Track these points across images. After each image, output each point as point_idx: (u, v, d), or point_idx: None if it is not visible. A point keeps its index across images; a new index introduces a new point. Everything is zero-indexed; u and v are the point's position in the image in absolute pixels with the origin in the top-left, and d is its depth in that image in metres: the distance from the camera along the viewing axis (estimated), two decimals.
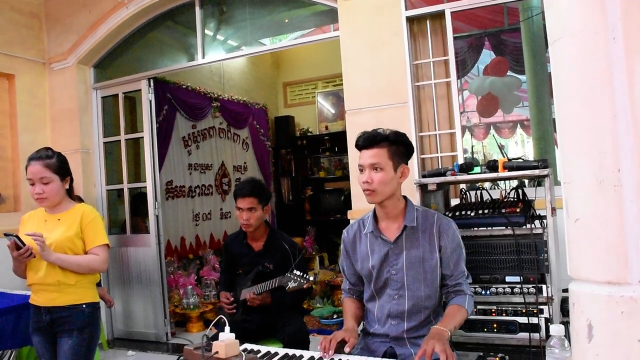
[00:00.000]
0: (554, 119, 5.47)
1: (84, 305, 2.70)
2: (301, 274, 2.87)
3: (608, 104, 1.23)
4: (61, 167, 2.72)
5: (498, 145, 3.71)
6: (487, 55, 6.79)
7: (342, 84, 7.84)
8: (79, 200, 4.51)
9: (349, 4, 4.07)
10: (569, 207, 1.34)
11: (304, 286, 2.88)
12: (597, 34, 1.24)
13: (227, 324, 2.00)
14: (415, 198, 2.72)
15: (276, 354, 2.06)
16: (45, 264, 2.62)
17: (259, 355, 2.03)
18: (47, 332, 2.70)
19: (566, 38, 1.31)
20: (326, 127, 8.43)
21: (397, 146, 2.19)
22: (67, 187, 2.76)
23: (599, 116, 1.25)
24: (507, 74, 6.43)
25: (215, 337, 2.11)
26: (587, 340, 1.24)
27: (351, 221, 3.76)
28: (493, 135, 9.70)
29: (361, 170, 2.20)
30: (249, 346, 2.17)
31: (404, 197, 2.28)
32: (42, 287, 2.67)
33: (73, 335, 2.66)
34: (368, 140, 2.18)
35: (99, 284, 4.61)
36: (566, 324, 2.31)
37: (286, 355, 2.05)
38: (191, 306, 5.37)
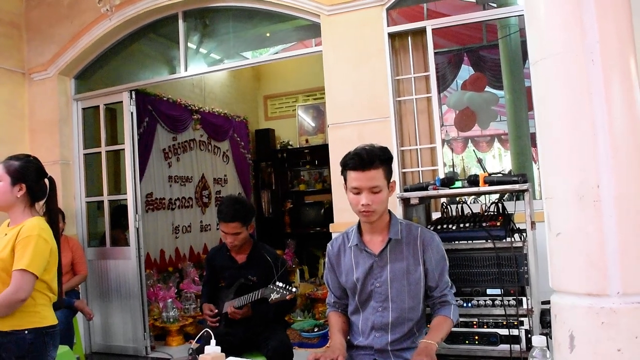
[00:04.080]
0: (531, 134, 5.58)
1: (26, 332, 2.39)
2: (284, 286, 2.88)
3: (588, 123, 1.29)
4: (18, 170, 2.49)
5: (477, 160, 3.79)
6: (465, 71, 6.91)
7: (322, 98, 7.94)
8: (60, 214, 4.47)
9: (332, 20, 4.13)
10: (551, 222, 1.39)
11: (287, 297, 2.88)
12: (577, 56, 1.30)
13: (212, 337, 2.00)
14: (397, 212, 2.77)
15: None
16: None
17: None
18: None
19: (547, 59, 1.36)
20: (306, 141, 8.47)
21: (388, 163, 2.21)
22: (18, 195, 2.48)
23: (579, 134, 1.30)
24: (485, 89, 6.55)
25: (200, 350, 2.11)
26: (569, 350, 1.29)
27: (333, 234, 3.80)
28: (474, 151, 9.84)
29: (357, 192, 2.16)
30: (233, 359, 2.17)
31: (388, 210, 2.32)
32: None
33: None
34: (364, 163, 2.12)
35: (77, 297, 4.61)
36: (546, 335, 2.36)
37: None
38: (171, 320, 5.32)
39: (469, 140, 10.60)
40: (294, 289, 2.90)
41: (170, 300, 5.40)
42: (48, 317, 2.50)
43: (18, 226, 2.48)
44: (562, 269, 1.36)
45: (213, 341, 1.97)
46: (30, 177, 2.54)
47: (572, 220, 1.31)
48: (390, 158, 2.23)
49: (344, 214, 3.80)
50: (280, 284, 2.88)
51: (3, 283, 2.42)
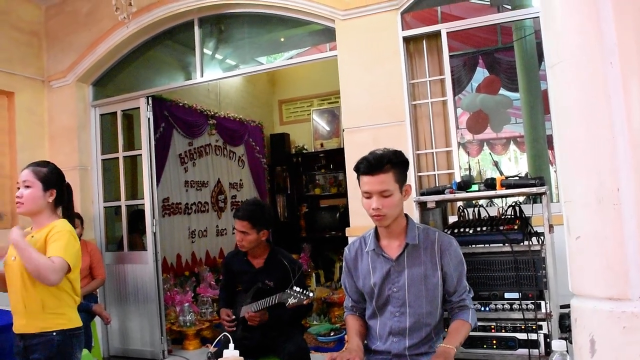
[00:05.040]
0: (548, 136, 5.54)
1: (54, 333, 2.48)
2: (301, 290, 2.89)
3: (606, 126, 1.27)
4: (48, 176, 2.59)
5: (494, 162, 3.77)
6: (480, 73, 6.87)
7: (337, 102, 7.96)
8: (78, 218, 4.53)
9: (346, 24, 4.14)
10: (570, 225, 1.38)
11: (304, 302, 2.90)
12: (595, 59, 1.29)
13: (231, 340, 2.01)
14: (414, 215, 2.76)
15: None
16: (17, 285, 2.49)
17: None
18: (25, 358, 2.52)
19: (564, 62, 1.35)
20: (321, 145, 8.48)
21: (400, 167, 2.20)
22: (50, 200, 2.58)
23: (597, 137, 1.29)
24: (499, 92, 6.51)
25: (218, 354, 2.12)
26: (589, 355, 1.28)
27: (349, 239, 3.81)
28: (490, 154, 9.77)
29: (368, 197, 2.17)
30: None
31: (405, 215, 2.31)
32: (14, 309, 2.53)
33: None
34: (373, 167, 2.14)
35: (95, 301, 4.65)
36: (565, 339, 2.34)
37: None
38: (188, 324, 5.35)
39: (485, 143, 10.54)
40: (310, 294, 2.90)
41: (187, 304, 5.43)
42: (74, 319, 2.59)
43: (46, 227, 2.55)
44: (582, 273, 1.34)
45: (232, 345, 1.98)
46: (59, 182, 2.66)
47: (591, 223, 1.30)
48: (403, 162, 2.22)
49: (360, 218, 3.79)
50: (298, 289, 2.89)
51: (33, 284, 2.48)
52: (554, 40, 1.41)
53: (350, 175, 4.02)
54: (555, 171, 6.33)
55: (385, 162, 2.14)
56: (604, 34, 1.27)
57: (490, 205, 3.93)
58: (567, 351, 1.58)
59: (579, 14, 1.32)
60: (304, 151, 8.58)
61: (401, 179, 2.19)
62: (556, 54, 1.38)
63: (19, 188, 2.58)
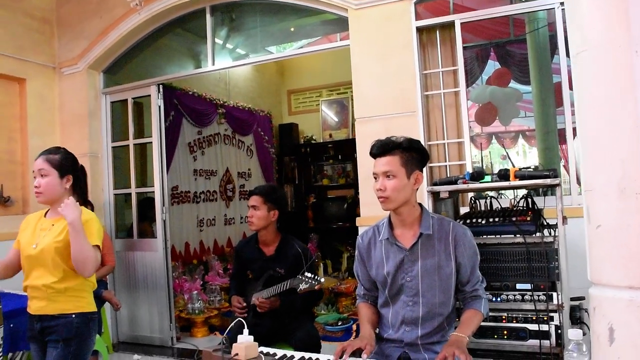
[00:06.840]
0: (559, 130, 5.51)
1: (73, 316, 2.53)
2: (312, 276, 2.91)
3: (630, 115, 1.27)
4: (62, 163, 2.61)
5: (506, 154, 3.76)
6: (491, 66, 6.84)
7: (346, 92, 7.96)
8: (89, 205, 4.54)
9: (359, 14, 4.13)
10: (590, 214, 1.38)
11: (316, 287, 2.91)
12: (620, 47, 1.28)
13: (245, 326, 2.02)
14: (427, 205, 2.76)
15: (292, 357, 2.09)
16: (35, 267, 2.52)
17: (275, 358, 2.06)
18: (39, 340, 2.58)
19: (589, 51, 1.35)
20: (330, 135, 8.47)
21: (410, 153, 2.23)
22: (67, 186, 2.60)
23: (620, 126, 1.29)
24: (511, 84, 6.48)
25: (232, 340, 2.14)
26: (608, 343, 1.28)
27: (360, 229, 3.81)
28: (503, 146, 9.73)
29: (375, 178, 2.24)
30: (264, 349, 2.20)
31: (420, 204, 2.31)
32: (32, 293, 2.55)
33: (58, 347, 2.50)
34: (381, 149, 2.23)
35: (105, 287, 4.69)
36: None
37: (302, 358, 2.07)
38: (196, 311, 5.39)
39: (493, 136, 10.52)
40: (322, 279, 2.92)
41: (195, 292, 5.46)
42: (92, 304, 2.65)
43: None
44: (602, 262, 1.35)
45: (246, 330, 2.00)
46: (74, 167, 2.68)
47: (613, 213, 1.30)
48: (416, 149, 2.25)
49: (370, 208, 3.80)
50: (309, 274, 2.90)
51: (59, 268, 2.51)
52: (579, 28, 1.41)
53: (362, 165, 4.03)
54: (564, 166, 6.30)
55: (395, 145, 2.21)
56: (631, 22, 1.26)
57: (500, 198, 3.93)
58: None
59: (606, 1, 1.31)
60: (313, 141, 8.58)
61: (410, 165, 2.21)
62: (581, 42, 1.38)
63: (35, 177, 2.59)
